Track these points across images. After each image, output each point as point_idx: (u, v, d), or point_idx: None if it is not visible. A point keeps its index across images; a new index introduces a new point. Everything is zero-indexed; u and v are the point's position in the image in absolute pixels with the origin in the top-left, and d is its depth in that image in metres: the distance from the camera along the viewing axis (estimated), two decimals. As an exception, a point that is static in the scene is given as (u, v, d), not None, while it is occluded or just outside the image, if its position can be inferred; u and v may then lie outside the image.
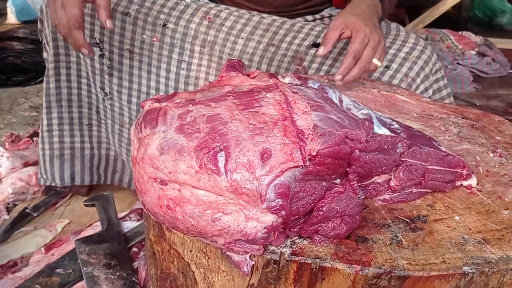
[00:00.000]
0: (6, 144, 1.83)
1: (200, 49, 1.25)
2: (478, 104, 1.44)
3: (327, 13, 1.33)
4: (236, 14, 1.25)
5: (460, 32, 1.86)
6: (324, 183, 0.60)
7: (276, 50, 1.20)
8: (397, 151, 0.66)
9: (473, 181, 0.69)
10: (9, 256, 1.25)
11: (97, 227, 1.28)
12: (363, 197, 0.66)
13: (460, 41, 1.49)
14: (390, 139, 0.65)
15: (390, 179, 0.66)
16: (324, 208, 0.58)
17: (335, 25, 1.00)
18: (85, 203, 1.35)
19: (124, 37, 1.25)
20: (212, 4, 1.28)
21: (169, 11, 1.24)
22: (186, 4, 1.25)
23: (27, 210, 1.46)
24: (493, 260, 0.54)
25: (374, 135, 0.64)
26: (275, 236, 0.58)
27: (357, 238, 0.58)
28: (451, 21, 4.04)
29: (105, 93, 1.33)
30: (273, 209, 0.55)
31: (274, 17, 1.25)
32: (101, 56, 1.27)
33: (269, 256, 0.56)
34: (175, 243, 0.64)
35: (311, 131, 0.60)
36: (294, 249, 0.56)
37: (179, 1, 1.25)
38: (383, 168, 0.65)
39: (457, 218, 0.62)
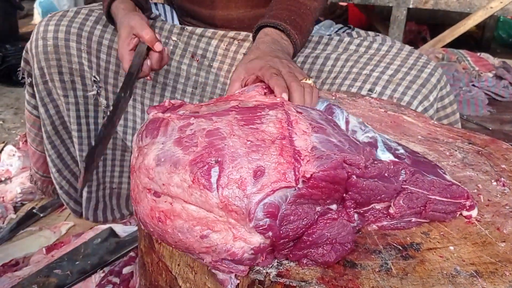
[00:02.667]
0: (20, 143, 1.86)
1: (192, 90, 1.28)
2: (490, 128, 1.41)
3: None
4: (221, 53, 1.26)
5: (478, 54, 1.83)
6: (318, 208, 0.59)
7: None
8: (399, 178, 0.64)
9: (474, 212, 0.67)
10: (12, 255, 1.26)
11: (97, 230, 1.29)
12: (359, 224, 0.64)
13: (477, 63, 1.46)
14: (392, 166, 0.63)
15: (390, 206, 0.65)
16: (315, 235, 0.57)
17: (234, 78, 0.88)
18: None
19: (118, 74, 1.24)
20: (193, 40, 1.26)
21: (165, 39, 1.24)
22: (174, 44, 1.25)
23: (34, 210, 1.48)
24: (483, 295, 0.52)
25: (375, 161, 0.62)
26: (263, 258, 0.57)
27: (346, 262, 0.57)
28: (474, 40, 4.00)
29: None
30: (260, 228, 0.54)
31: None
32: (97, 94, 1.25)
33: (254, 276, 0.55)
34: (164, 255, 0.64)
35: (309, 153, 0.59)
36: (280, 270, 0.56)
37: (167, 40, 1.25)
38: (382, 195, 0.63)
39: (451, 248, 0.60)
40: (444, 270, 0.56)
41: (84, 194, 1.32)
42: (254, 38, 1.03)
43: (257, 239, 0.55)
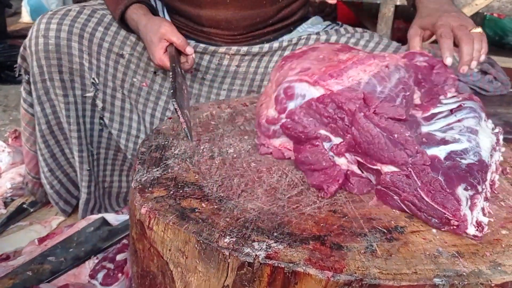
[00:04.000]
0: (10, 140, 1.86)
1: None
2: (475, 121, 1.44)
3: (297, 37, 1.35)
4: (214, 67, 1.30)
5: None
6: (321, 131, 0.71)
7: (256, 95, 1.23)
8: (407, 153, 0.64)
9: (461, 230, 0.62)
10: (2, 250, 1.26)
11: (90, 219, 1.30)
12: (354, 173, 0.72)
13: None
14: (405, 135, 0.64)
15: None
16: (301, 154, 0.73)
17: (412, 34, 0.98)
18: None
19: (116, 78, 1.26)
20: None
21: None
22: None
23: (24, 205, 1.48)
24: (464, 274, 0.54)
25: (390, 120, 0.65)
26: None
27: (332, 245, 0.59)
28: (480, 28, 4.04)
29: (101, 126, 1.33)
30: (276, 99, 0.77)
31: (249, 61, 1.30)
32: (95, 96, 1.25)
33: (243, 258, 0.57)
34: (155, 241, 0.65)
35: (347, 79, 0.71)
36: (268, 252, 0.57)
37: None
38: (381, 153, 0.65)
39: (434, 231, 0.62)
40: (427, 251, 0.58)
41: (84, 196, 1.32)
42: (412, 4, 1.15)
43: (272, 111, 0.77)
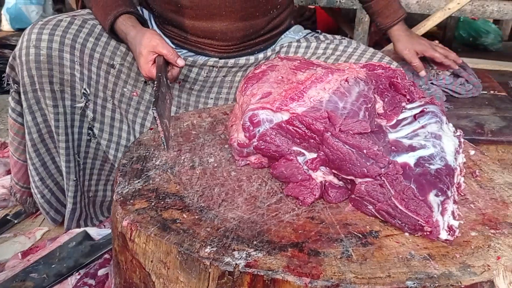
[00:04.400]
0: (-9, 151, 1.84)
1: (176, 110, 1.34)
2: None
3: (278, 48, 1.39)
4: (202, 79, 1.33)
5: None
6: (294, 148, 0.73)
7: None
8: (380, 166, 0.67)
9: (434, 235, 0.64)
10: (-14, 262, 1.26)
11: (72, 234, 1.29)
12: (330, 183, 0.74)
13: (436, 62, 1.53)
14: (373, 149, 0.67)
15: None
16: (276, 169, 0.75)
17: (401, 50, 1.48)
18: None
19: (107, 88, 1.26)
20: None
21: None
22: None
23: (8, 217, 1.47)
24: (435, 276, 0.57)
25: (358, 136, 0.68)
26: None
27: (310, 251, 0.61)
28: (436, 40, 4.13)
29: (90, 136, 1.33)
30: (244, 127, 0.77)
31: (236, 71, 1.34)
32: (85, 107, 1.25)
33: (224, 268, 0.58)
34: (137, 253, 0.66)
35: (308, 100, 0.73)
36: (248, 261, 0.59)
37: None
38: (354, 168, 0.68)
39: (407, 234, 0.65)
40: (400, 255, 0.61)
41: (69, 206, 1.31)
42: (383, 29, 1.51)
43: (242, 136, 0.78)
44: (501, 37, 4.05)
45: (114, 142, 1.32)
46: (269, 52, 1.36)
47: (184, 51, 1.36)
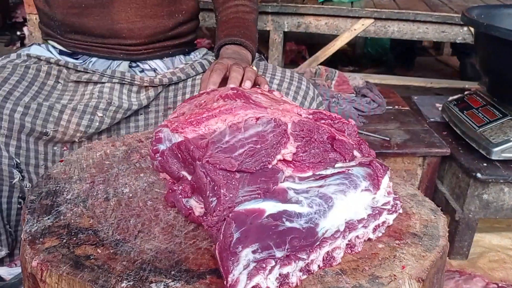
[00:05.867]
0: None
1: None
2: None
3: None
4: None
5: (349, 75, 2.03)
6: (183, 172, 0.77)
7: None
8: (220, 209, 0.67)
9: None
10: None
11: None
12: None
13: (337, 86, 1.63)
14: (220, 190, 0.67)
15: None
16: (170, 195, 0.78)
17: (203, 78, 1.08)
18: None
19: (38, 152, 1.19)
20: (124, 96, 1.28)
21: (85, 129, 1.21)
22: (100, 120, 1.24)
23: None
24: (347, 290, 0.60)
25: (223, 172, 0.69)
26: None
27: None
28: (347, 57, 4.37)
29: None
30: (152, 140, 0.83)
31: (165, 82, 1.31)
32: (21, 179, 1.16)
33: (141, 302, 0.57)
34: (49, 295, 0.63)
35: (205, 126, 0.76)
36: (166, 292, 0.58)
37: (92, 116, 1.22)
38: (206, 202, 0.69)
39: (320, 251, 0.68)
40: (314, 272, 0.63)
41: None
42: (217, 56, 1.25)
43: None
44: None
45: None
46: (180, 64, 1.39)
47: (94, 59, 1.34)
